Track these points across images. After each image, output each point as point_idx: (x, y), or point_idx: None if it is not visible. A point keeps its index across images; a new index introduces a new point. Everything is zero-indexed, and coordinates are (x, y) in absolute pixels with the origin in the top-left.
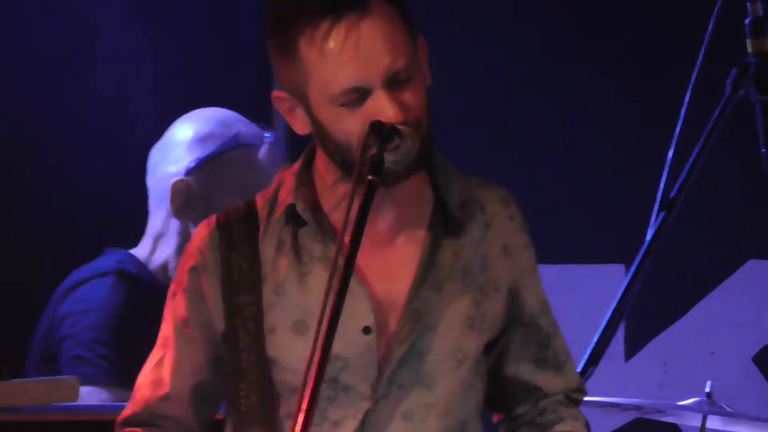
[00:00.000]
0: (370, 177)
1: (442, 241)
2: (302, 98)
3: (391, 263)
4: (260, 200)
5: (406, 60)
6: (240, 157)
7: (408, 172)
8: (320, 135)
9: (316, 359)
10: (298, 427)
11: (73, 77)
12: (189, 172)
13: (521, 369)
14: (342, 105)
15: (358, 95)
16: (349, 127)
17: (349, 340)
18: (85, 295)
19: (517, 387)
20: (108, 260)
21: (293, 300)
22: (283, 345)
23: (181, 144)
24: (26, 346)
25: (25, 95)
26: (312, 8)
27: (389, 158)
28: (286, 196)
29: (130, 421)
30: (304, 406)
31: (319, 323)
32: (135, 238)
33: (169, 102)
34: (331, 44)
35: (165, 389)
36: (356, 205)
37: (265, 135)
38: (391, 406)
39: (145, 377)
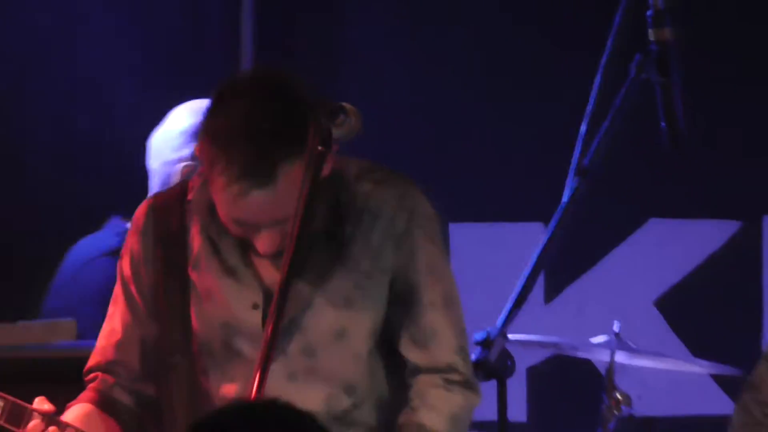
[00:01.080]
0: (320, 148)
1: (330, 232)
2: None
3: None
4: (193, 183)
5: (283, 215)
6: None
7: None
8: None
9: (268, 330)
10: (255, 382)
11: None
12: (196, 157)
13: (401, 344)
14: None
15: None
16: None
17: (241, 314)
18: (97, 275)
19: (403, 362)
20: (115, 237)
21: (210, 272)
22: (200, 309)
23: (187, 130)
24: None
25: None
26: (229, 169)
27: (336, 132)
28: (197, 191)
29: (92, 369)
30: (257, 368)
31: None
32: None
33: (145, 85)
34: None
35: (117, 336)
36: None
37: None
38: (277, 370)
39: (102, 330)
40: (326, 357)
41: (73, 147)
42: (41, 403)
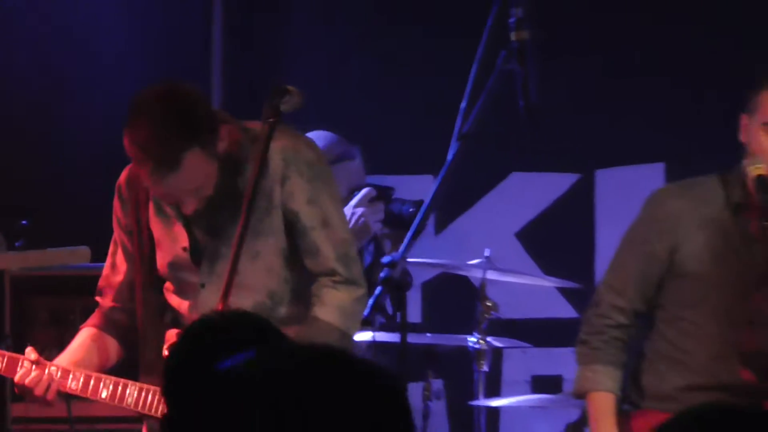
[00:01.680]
0: (271, 119)
1: (238, 185)
2: None
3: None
4: None
5: (196, 185)
6: (342, 169)
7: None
8: None
9: (229, 263)
10: (221, 295)
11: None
12: None
13: (303, 257)
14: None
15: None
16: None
17: (176, 255)
18: None
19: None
20: None
21: (158, 226)
22: (159, 254)
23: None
24: None
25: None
26: (142, 158)
27: (283, 107)
28: None
29: (98, 292)
30: (224, 286)
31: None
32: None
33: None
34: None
35: (114, 270)
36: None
37: (353, 149)
38: (213, 288)
39: (106, 262)
40: (248, 274)
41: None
42: (29, 353)
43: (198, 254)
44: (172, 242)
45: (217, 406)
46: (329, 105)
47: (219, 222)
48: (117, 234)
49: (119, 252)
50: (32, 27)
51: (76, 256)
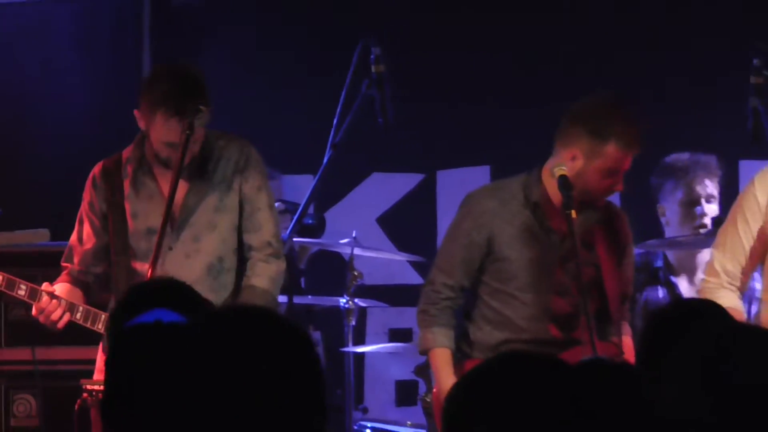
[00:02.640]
0: (187, 131)
1: (205, 172)
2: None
3: (182, 184)
4: (126, 151)
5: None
6: None
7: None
8: (149, 135)
9: (141, 235)
10: (151, 259)
11: None
12: None
13: (244, 233)
14: (163, 144)
15: (170, 145)
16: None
17: (155, 222)
18: None
19: (245, 243)
20: None
21: (133, 203)
22: (133, 224)
23: None
24: None
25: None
26: (164, 105)
27: (196, 123)
28: (130, 154)
29: (65, 259)
30: (154, 252)
31: (166, 213)
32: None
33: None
34: (170, 123)
35: (80, 241)
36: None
37: (274, 172)
38: (179, 251)
39: (73, 235)
40: (206, 242)
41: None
42: (47, 287)
43: (174, 223)
44: (151, 213)
45: (124, 358)
46: (235, 114)
47: (189, 199)
48: (85, 214)
49: (86, 228)
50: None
51: (38, 236)
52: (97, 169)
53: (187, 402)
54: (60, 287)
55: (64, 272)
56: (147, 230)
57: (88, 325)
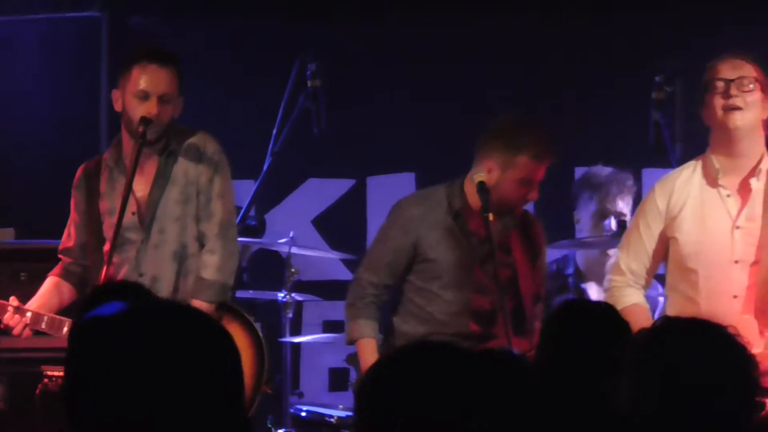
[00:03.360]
0: (141, 141)
1: (166, 164)
2: (124, 94)
3: (147, 181)
4: (105, 155)
5: (171, 93)
6: None
7: (155, 143)
8: (124, 114)
9: (113, 228)
10: (106, 247)
11: None
12: None
13: (199, 221)
14: (136, 96)
15: (144, 95)
16: (136, 112)
17: (126, 219)
18: None
19: (199, 231)
20: None
21: (107, 201)
22: (106, 219)
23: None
24: None
25: None
26: (143, 56)
27: (147, 134)
28: (107, 157)
29: (60, 252)
30: (107, 247)
31: (120, 210)
32: None
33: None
34: (147, 70)
35: (71, 236)
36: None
37: None
38: (149, 245)
39: (65, 232)
40: (171, 231)
41: None
42: (12, 301)
43: (142, 218)
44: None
45: (73, 347)
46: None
47: (153, 194)
48: (73, 214)
49: (72, 225)
50: None
51: (4, 234)
52: (79, 171)
53: (112, 386)
54: (47, 283)
55: (60, 264)
56: (122, 227)
57: (53, 332)
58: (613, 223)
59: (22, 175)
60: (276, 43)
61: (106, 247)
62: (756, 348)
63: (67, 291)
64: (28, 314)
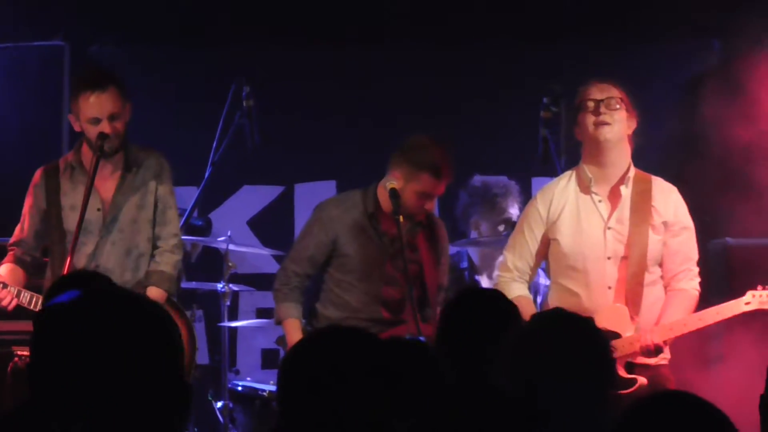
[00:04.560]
0: (98, 153)
1: (128, 176)
2: (78, 119)
3: (111, 186)
4: (68, 156)
5: (117, 111)
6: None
7: (112, 154)
8: (84, 133)
9: (76, 222)
10: (71, 246)
11: None
12: None
13: (156, 227)
14: (88, 122)
15: (95, 121)
16: (92, 133)
17: (92, 214)
18: None
19: (155, 235)
20: None
21: (69, 198)
22: (69, 216)
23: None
24: None
25: None
26: (84, 86)
27: (105, 147)
28: (71, 158)
29: (12, 244)
30: (72, 242)
31: (83, 207)
32: None
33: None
34: (90, 99)
35: (24, 229)
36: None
37: None
38: (107, 240)
39: (18, 226)
40: (128, 232)
41: None
42: (0, 278)
43: (105, 215)
44: (91, 203)
45: (38, 331)
46: (139, 136)
47: (117, 199)
48: (28, 210)
49: (27, 221)
50: None
51: None
52: (38, 174)
53: (71, 361)
54: (4, 268)
55: (10, 253)
56: (86, 222)
57: (31, 307)
58: (504, 228)
59: None
60: (215, 68)
61: (68, 238)
62: (627, 332)
63: (21, 275)
64: (13, 289)
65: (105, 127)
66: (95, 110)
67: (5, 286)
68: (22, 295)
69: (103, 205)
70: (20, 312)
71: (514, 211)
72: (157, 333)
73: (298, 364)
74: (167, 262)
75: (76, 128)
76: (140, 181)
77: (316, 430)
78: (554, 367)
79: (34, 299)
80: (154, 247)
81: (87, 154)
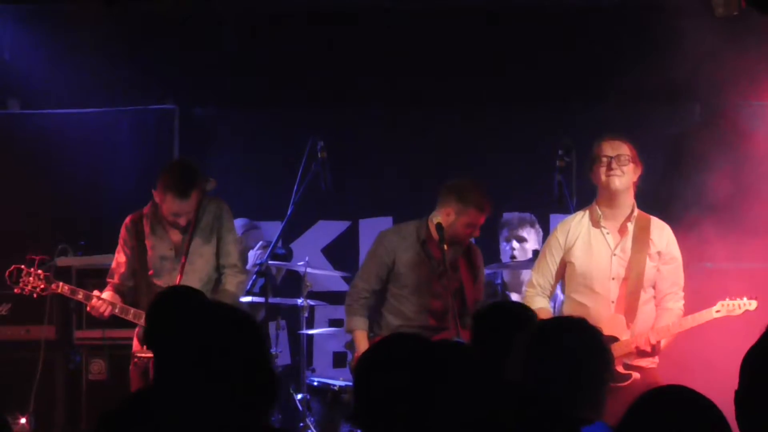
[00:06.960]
0: (205, 193)
1: (198, 220)
2: (160, 202)
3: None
4: (146, 210)
5: (192, 210)
6: (255, 233)
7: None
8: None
9: (180, 264)
10: (178, 278)
11: None
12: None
13: (220, 257)
14: (169, 212)
15: (175, 215)
16: (170, 218)
17: (167, 253)
18: None
19: (221, 264)
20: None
21: (152, 240)
22: (151, 255)
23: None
24: None
25: None
26: (173, 190)
27: (207, 188)
28: (147, 211)
29: (109, 275)
30: (178, 278)
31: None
32: None
33: None
34: (175, 202)
35: (119, 263)
36: None
37: (256, 223)
38: (184, 270)
39: (113, 262)
40: (198, 264)
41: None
42: (96, 293)
43: (178, 254)
44: (162, 247)
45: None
46: (236, 184)
47: (186, 241)
48: (121, 247)
49: (121, 257)
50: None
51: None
52: (128, 220)
53: (192, 355)
54: (107, 294)
55: (109, 285)
56: (160, 258)
57: (123, 316)
58: (515, 244)
59: (110, 223)
60: (295, 125)
61: (150, 272)
62: (624, 336)
63: (118, 301)
64: (107, 302)
65: (182, 221)
66: (176, 209)
67: (100, 299)
68: (115, 307)
69: (174, 247)
70: (134, 325)
71: (523, 231)
72: (254, 333)
73: (367, 366)
74: (230, 282)
75: (158, 201)
76: (204, 224)
77: (389, 420)
78: (563, 364)
79: (125, 310)
80: (220, 275)
81: (161, 213)
